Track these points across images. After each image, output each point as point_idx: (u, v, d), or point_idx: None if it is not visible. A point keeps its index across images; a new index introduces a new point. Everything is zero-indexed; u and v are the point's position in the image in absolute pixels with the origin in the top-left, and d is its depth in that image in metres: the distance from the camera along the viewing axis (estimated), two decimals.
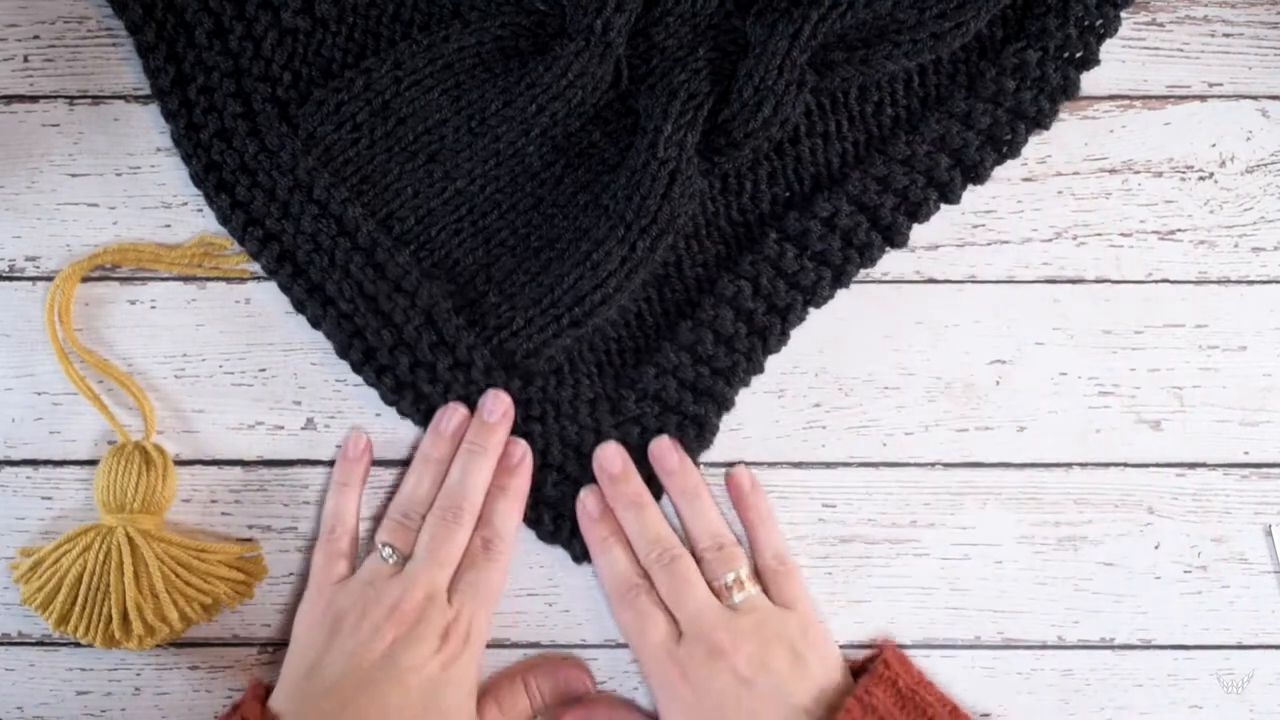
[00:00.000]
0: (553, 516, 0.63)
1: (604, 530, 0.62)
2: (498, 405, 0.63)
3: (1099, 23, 0.65)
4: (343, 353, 0.63)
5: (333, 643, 0.59)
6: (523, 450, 0.63)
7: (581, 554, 0.64)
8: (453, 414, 0.63)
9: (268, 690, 0.60)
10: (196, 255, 0.65)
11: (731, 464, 0.65)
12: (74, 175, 0.65)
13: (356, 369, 0.63)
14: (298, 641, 0.61)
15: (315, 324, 0.64)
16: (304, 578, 0.63)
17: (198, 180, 0.64)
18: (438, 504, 0.62)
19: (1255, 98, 0.66)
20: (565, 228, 0.64)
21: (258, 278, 0.65)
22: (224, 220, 0.64)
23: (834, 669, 0.61)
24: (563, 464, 0.64)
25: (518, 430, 0.64)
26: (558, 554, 0.64)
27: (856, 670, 0.62)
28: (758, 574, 0.63)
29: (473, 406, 0.63)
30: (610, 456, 0.63)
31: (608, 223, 0.63)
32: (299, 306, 0.64)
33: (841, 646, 0.63)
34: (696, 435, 0.64)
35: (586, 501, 0.63)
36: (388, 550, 0.61)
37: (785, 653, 0.60)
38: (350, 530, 0.63)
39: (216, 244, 0.65)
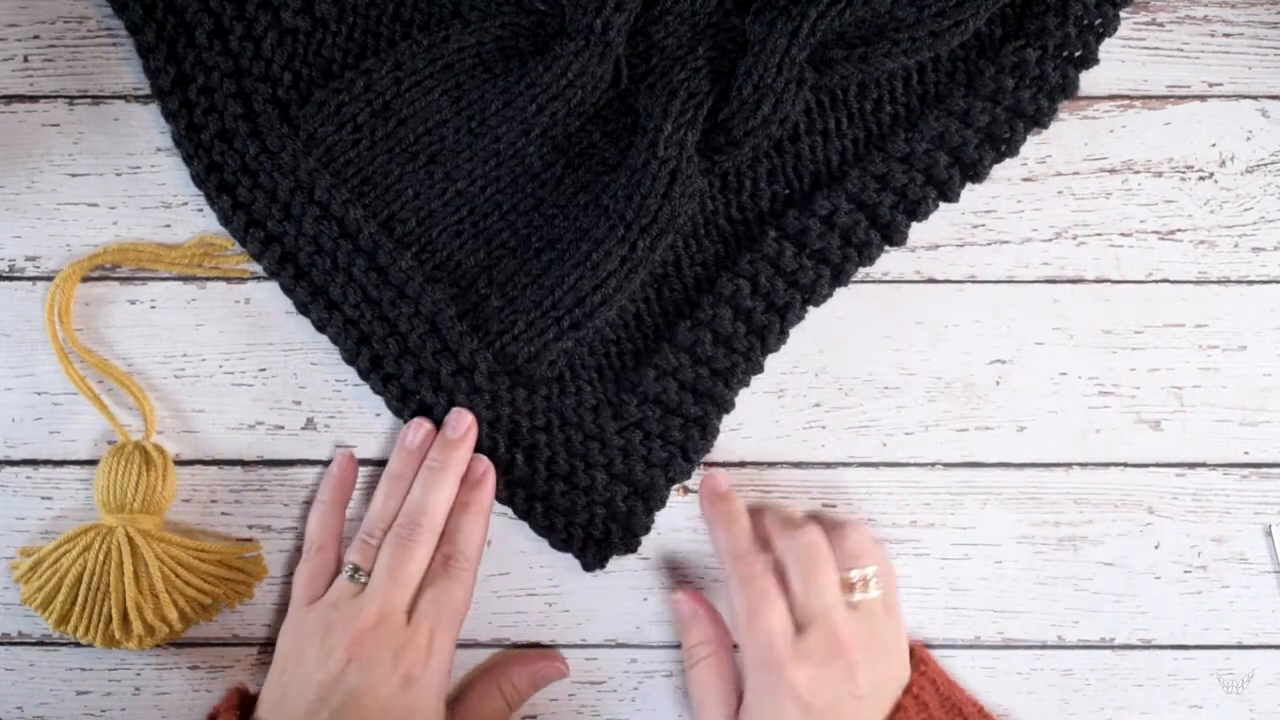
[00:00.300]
0: (564, 524, 0.63)
1: (731, 505, 0.60)
2: (461, 422, 0.62)
3: (1098, 22, 0.65)
4: (351, 359, 0.63)
5: (300, 667, 0.58)
6: (485, 466, 0.62)
7: (592, 562, 0.63)
8: (417, 429, 0.62)
9: (245, 696, 0.60)
10: (196, 255, 0.65)
11: (731, 465, 0.65)
12: (74, 175, 0.65)
13: (364, 375, 0.63)
14: (275, 662, 0.60)
15: (320, 328, 0.63)
16: None
17: (199, 181, 0.64)
18: (397, 522, 0.61)
19: (1255, 98, 0.66)
20: (566, 228, 0.64)
21: (258, 278, 0.65)
22: (225, 222, 0.64)
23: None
24: (570, 473, 0.63)
25: (524, 442, 0.63)
26: (558, 553, 0.64)
27: None
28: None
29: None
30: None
31: (608, 222, 0.63)
32: (303, 309, 0.63)
33: None
34: (700, 437, 0.63)
35: (715, 478, 0.62)
36: (352, 570, 0.60)
37: (890, 668, 0.58)
38: (328, 549, 0.62)
39: (217, 244, 0.65)
